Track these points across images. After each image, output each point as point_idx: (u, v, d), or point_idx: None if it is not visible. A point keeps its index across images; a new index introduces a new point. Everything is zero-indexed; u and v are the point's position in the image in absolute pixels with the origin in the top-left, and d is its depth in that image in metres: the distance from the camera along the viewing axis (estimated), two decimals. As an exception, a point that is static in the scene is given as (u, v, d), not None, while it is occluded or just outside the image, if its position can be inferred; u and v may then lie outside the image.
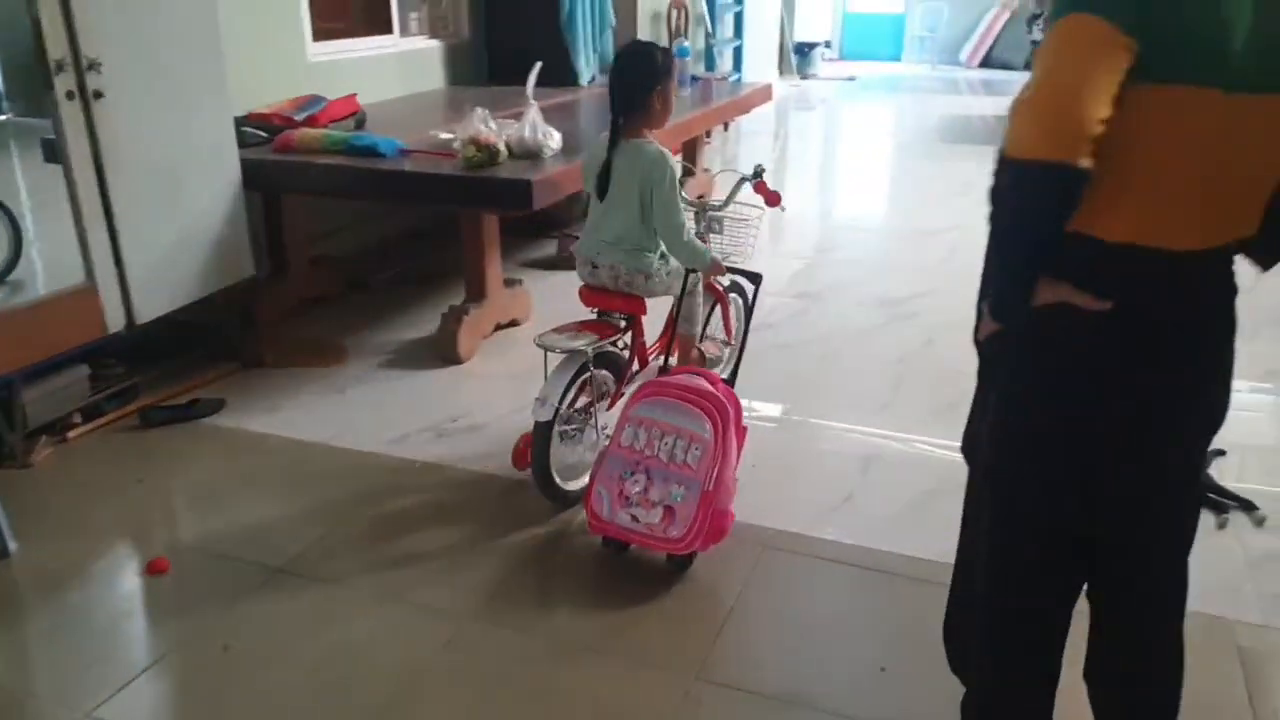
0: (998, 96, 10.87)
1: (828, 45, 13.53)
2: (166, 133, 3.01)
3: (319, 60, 4.51)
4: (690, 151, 5.65)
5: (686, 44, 5.50)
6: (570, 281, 2.90)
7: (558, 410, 2.46)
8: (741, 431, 2.36)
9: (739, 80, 9.46)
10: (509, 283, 3.86)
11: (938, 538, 2.36)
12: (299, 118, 3.77)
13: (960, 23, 13.35)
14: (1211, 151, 1.21)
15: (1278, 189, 1.28)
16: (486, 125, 3.42)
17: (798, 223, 5.41)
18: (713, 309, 2.98)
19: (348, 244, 4.63)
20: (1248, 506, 2.53)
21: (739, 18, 10.01)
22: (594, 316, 2.68)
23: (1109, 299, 1.27)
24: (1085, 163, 1.18)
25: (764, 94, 5.73)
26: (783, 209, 2.94)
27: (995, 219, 1.35)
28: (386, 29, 5.10)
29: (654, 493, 2.22)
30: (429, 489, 2.71)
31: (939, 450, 2.88)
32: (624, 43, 3.88)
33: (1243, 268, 1.35)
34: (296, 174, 3.47)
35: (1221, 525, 2.46)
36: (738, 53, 10.03)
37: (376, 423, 3.07)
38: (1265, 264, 1.38)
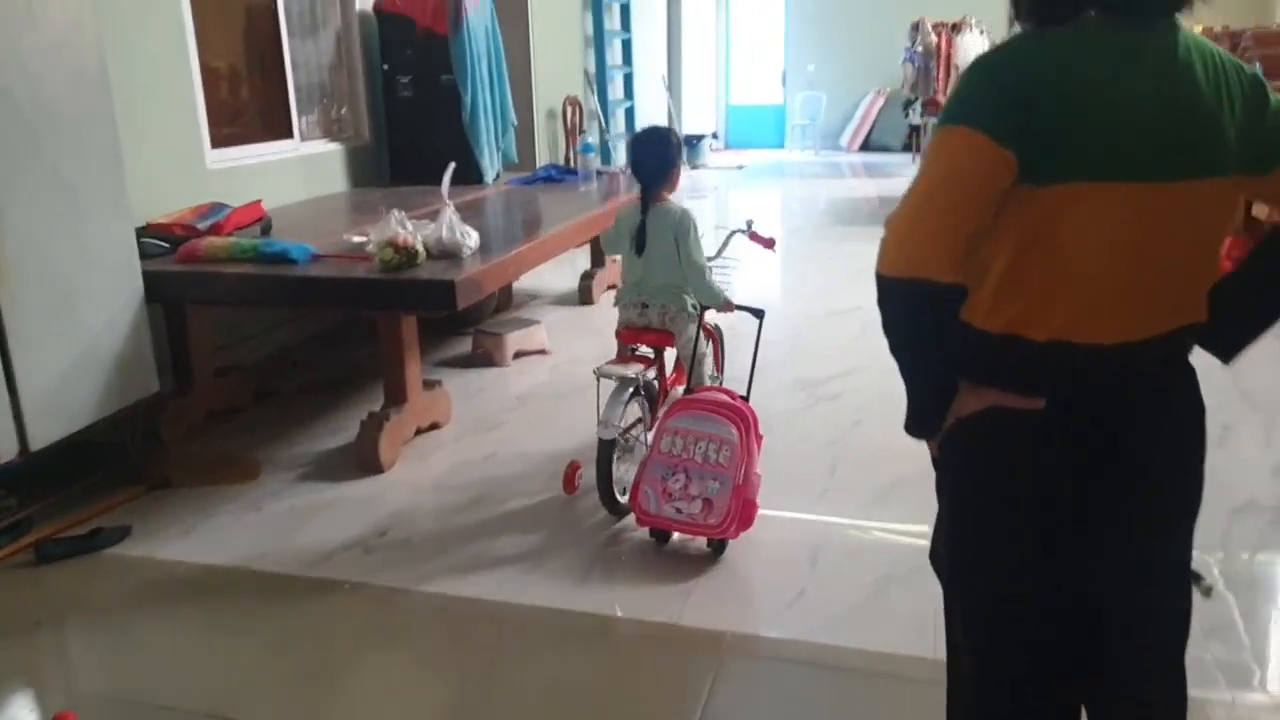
0: (879, 179, 11.38)
1: (715, 136, 13.99)
2: (63, 247, 2.85)
3: (218, 167, 4.39)
4: (598, 243, 5.69)
5: (590, 140, 5.58)
6: (486, 379, 3.46)
7: (625, 429, 2.94)
8: (759, 438, 2.80)
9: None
10: (428, 384, 3.75)
11: (900, 629, 2.35)
12: (202, 226, 3.63)
13: (838, 110, 14.00)
14: (1126, 243, 1.19)
15: (1222, 274, 1.30)
16: (403, 227, 3.36)
17: (709, 309, 5.48)
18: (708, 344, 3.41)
19: (254, 352, 4.46)
20: (1194, 578, 2.58)
21: (630, 113, 10.28)
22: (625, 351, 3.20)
23: (1040, 397, 1.25)
24: (944, 277, 1.20)
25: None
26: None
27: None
28: (287, 133, 5.01)
29: (693, 488, 2.68)
30: (361, 613, 2.55)
31: (884, 535, 2.88)
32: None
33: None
34: (205, 285, 3.32)
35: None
36: (631, 145, 10.25)
37: (298, 542, 2.89)
38: (1224, 355, 1.37)
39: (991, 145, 1.15)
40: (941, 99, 8.82)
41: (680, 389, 3.31)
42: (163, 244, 3.49)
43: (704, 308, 3.11)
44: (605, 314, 5.48)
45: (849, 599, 2.53)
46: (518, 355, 4.64)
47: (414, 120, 5.57)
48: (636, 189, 3.13)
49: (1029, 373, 1.26)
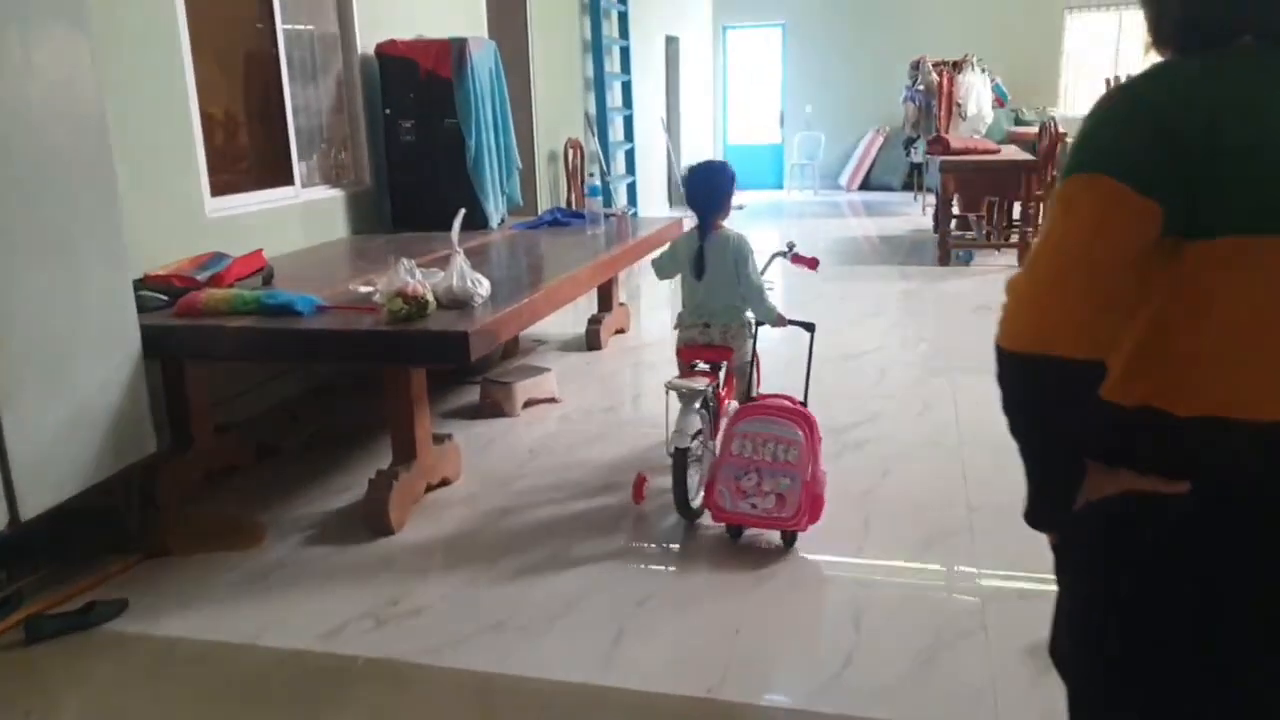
0: (881, 217, 11.31)
1: (714, 176, 13.94)
2: (58, 302, 2.70)
3: (218, 215, 4.25)
4: (606, 287, 5.57)
5: (596, 183, 5.47)
6: (497, 430, 3.60)
7: (691, 439, 3.09)
8: (819, 439, 3.04)
9: (637, 215, 9.58)
10: (438, 438, 3.59)
11: (956, 702, 2.19)
12: (201, 277, 3.49)
13: (837, 149, 14.00)
14: None
15: None
16: (412, 276, 3.22)
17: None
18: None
19: (253, 406, 4.30)
20: None
21: (630, 155, 10.22)
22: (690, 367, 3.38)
23: (1184, 480, 1.06)
24: (1080, 354, 1.02)
25: (676, 227, 5.71)
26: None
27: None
28: (287, 180, 4.89)
29: (766, 485, 2.92)
30: (376, 691, 2.37)
31: (928, 593, 2.72)
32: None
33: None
34: (207, 339, 3.17)
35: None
36: (631, 189, 10.20)
37: (307, 613, 2.71)
38: None
39: (1134, 195, 0.99)
40: (947, 137, 8.76)
41: (732, 402, 3.49)
42: (161, 296, 3.34)
43: (759, 324, 3.41)
44: (614, 359, 5.35)
45: (898, 667, 2.36)
46: (528, 404, 4.48)
47: (417, 165, 5.46)
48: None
49: (1172, 453, 1.08)
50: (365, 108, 5.50)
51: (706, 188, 3.31)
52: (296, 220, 4.86)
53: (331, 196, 5.25)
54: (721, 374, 3.38)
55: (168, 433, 3.47)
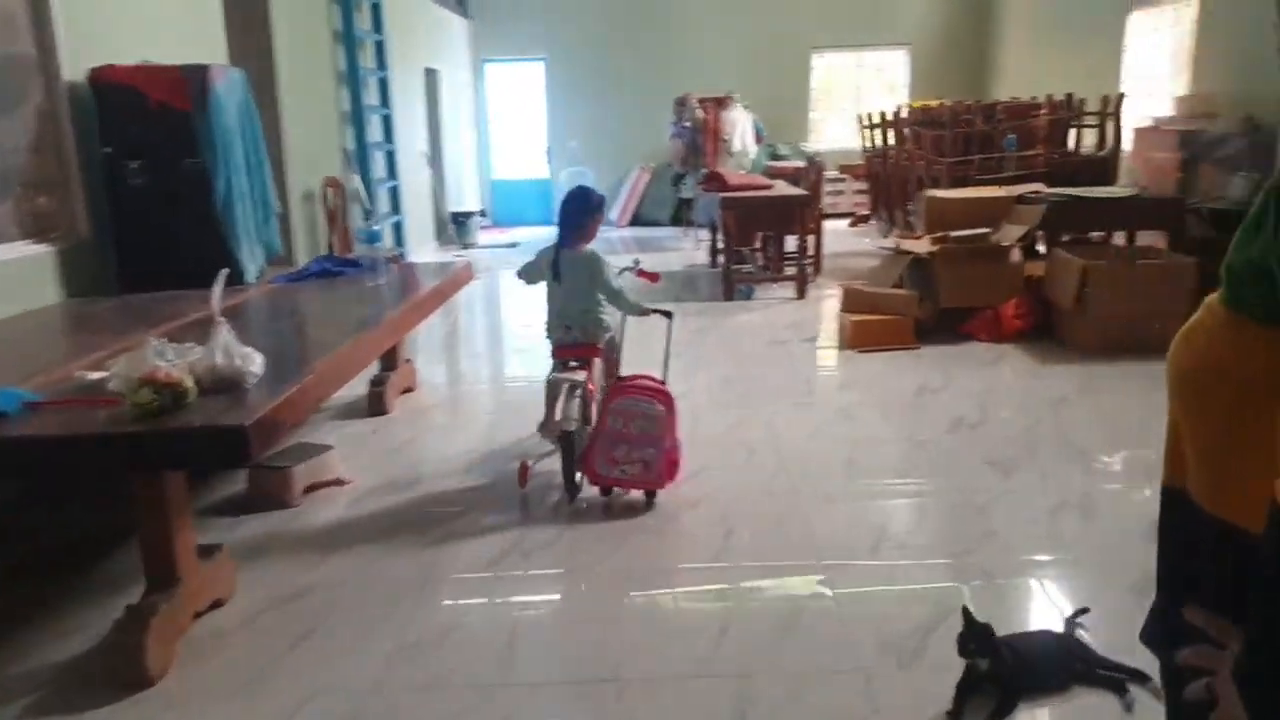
0: (653, 253, 11.24)
1: (483, 214, 13.47)
2: None
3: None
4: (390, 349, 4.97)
5: (377, 228, 4.88)
6: (273, 526, 3.29)
7: (576, 421, 3.57)
8: (676, 414, 3.62)
9: (404, 256, 8.95)
10: (205, 551, 2.91)
11: None
12: None
13: (604, 185, 13.84)
14: None
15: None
16: (163, 358, 2.57)
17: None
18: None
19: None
20: (1140, 678, 2.29)
21: (395, 192, 9.56)
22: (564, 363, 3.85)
23: None
24: None
25: (466, 272, 5.23)
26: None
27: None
28: (-23, 235, 3.96)
29: (634, 455, 3.46)
30: None
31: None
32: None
33: None
34: None
35: (1129, 708, 2.21)
36: (398, 228, 9.54)
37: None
38: None
39: None
40: (724, 174, 8.79)
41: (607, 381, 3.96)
42: None
43: (625, 316, 3.94)
44: (405, 425, 4.75)
45: None
46: (309, 489, 3.83)
47: (150, 212, 4.62)
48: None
49: None
50: (77, 145, 4.62)
51: (570, 213, 3.85)
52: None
53: (35, 254, 4.33)
54: (594, 368, 3.82)
55: None
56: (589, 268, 3.78)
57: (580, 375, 3.69)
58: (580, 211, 3.85)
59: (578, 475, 3.61)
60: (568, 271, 3.78)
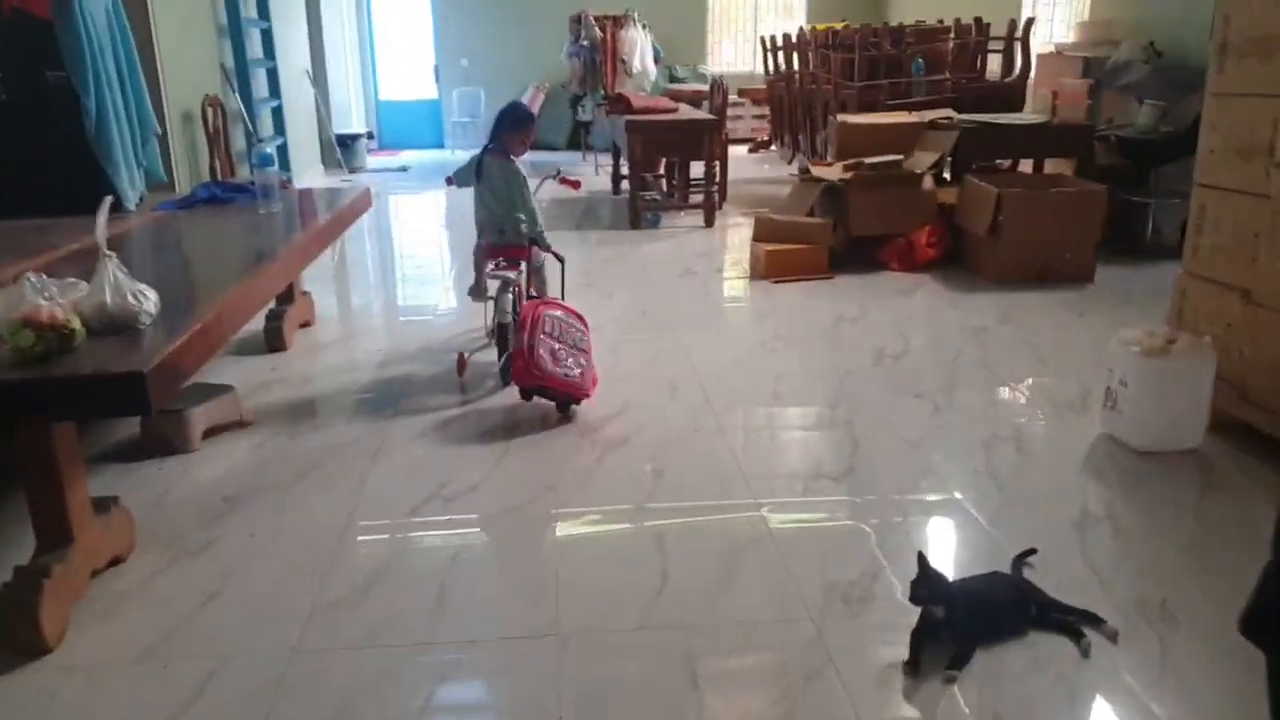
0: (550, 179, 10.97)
1: (370, 136, 12.86)
2: None
3: None
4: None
5: (268, 150, 4.53)
6: (171, 475, 3.16)
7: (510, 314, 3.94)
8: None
9: (290, 180, 8.47)
10: (99, 505, 2.67)
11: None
12: None
13: (498, 106, 13.32)
14: None
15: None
16: (44, 296, 2.30)
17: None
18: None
19: None
20: (1092, 620, 2.32)
21: (278, 112, 9.00)
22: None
23: None
24: None
25: (365, 199, 4.93)
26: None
27: None
28: None
29: (569, 360, 3.64)
30: None
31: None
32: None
33: None
34: None
35: (1085, 653, 2.22)
36: (282, 151, 8.99)
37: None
38: None
39: None
40: (629, 96, 8.53)
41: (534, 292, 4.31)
42: None
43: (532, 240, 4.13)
44: (306, 361, 4.50)
45: None
46: (208, 433, 3.58)
47: (13, 132, 4.21)
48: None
49: None
50: (-74, 55, 4.13)
51: (500, 118, 4.15)
52: None
53: (-116, 176, 3.88)
54: (521, 268, 4.11)
55: None
56: (512, 177, 4.06)
57: (512, 274, 4.02)
58: (506, 122, 4.12)
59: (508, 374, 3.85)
60: (490, 176, 4.06)
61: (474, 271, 4.21)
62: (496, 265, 4.08)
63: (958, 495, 3.04)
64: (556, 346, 3.60)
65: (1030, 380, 4.11)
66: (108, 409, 2.32)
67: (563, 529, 2.88)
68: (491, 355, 4.15)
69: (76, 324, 2.31)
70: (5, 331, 2.23)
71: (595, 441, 3.48)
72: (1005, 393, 3.98)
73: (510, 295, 3.97)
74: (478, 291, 4.15)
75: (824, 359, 4.42)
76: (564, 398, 3.67)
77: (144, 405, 2.17)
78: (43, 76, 4.16)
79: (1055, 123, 6.47)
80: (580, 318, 3.78)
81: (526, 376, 3.57)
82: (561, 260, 4.13)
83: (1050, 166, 6.56)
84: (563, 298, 4.03)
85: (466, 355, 4.14)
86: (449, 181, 4.39)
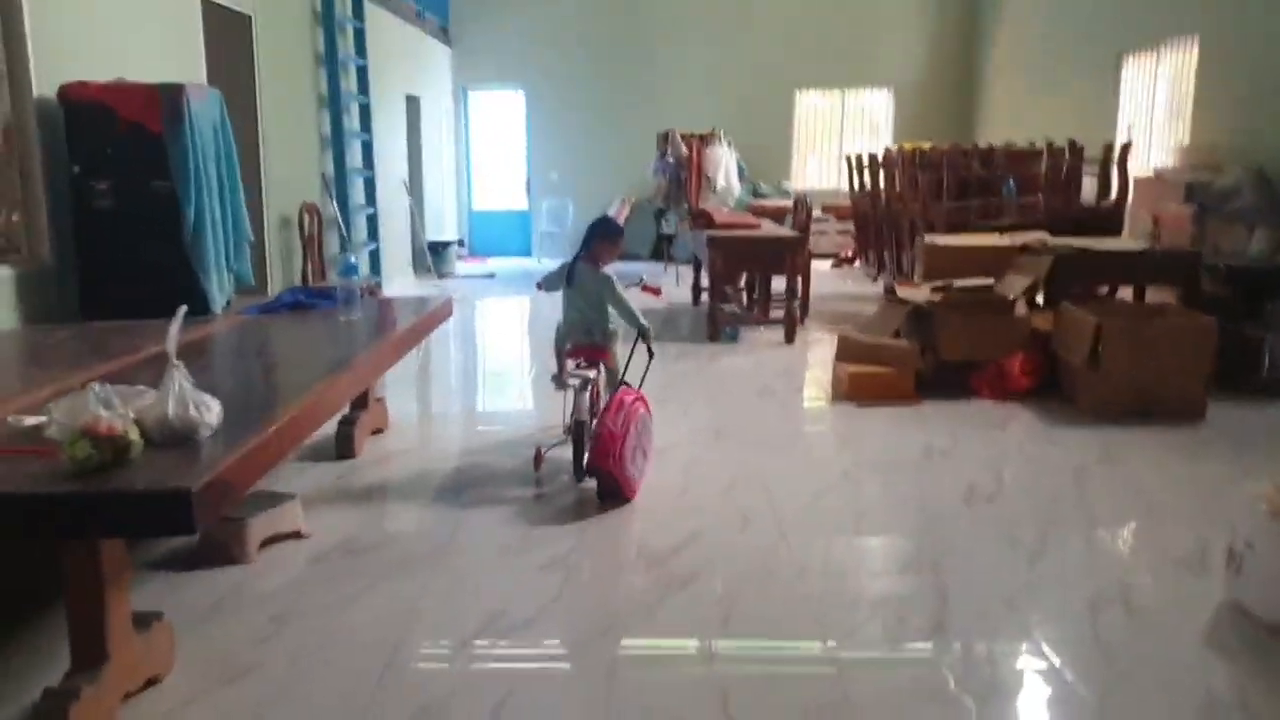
0: (634, 288, 11.00)
1: (461, 243, 13.20)
2: None
3: None
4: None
5: (354, 260, 4.60)
6: (222, 587, 3.02)
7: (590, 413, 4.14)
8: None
9: (380, 284, 8.67)
10: (141, 620, 2.57)
11: None
12: None
13: (585, 218, 13.62)
14: None
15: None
16: (108, 407, 2.26)
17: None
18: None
19: None
20: None
21: (372, 220, 9.28)
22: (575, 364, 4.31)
23: None
24: None
25: (446, 308, 4.94)
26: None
27: None
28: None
29: (640, 462, 3.99)
30: None
31: None
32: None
33: None
34: None
35: None
36: (374, 256, 9.24)
37: None
38: None
39: None
40: (710, 211, 8.57)
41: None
42: None
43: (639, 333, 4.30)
44: (375, 470, 4.42)
45: None
46: (265, 544, 3.51)
47: (116, 236, 4.35)
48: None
49: None
50: (44, 164, 4.31)
51: (591, 230, 4.42)
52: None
53: (-9, 275, 4.03)
54: (601, 370, 4.33)
55: None
56: (603, 283, 4.30)
57: (591, 373, 4.20)
58: (598, 233, 4.40)
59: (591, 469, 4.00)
60: (582, 281, 4.31)
61: (555, 361, 4.46)
62: (578, 364, 4.27)
63: (1060, 666, 2.71)
64: (635, 446, 3.90)
65: (1138, 530, 3.78)
66: (154, 527, 2.24)
67: (621, 675, 2.67)
68: (566, 452, 4.23)
69: (134, 436, 2.26)
70: (65, 441, 2.20)
71: (661, 575, 3.28)
72: (1110, 544, 3.66)
73: (588, 395, 4.15)
74: (560, 381, 4.32)
75: (910, 494, 4.14)
76: (616, 491, 3.86)
77: (188, 525, 2.09)
78: (148, 185, 4.30)
79: (1158, 249, 6.20)
80: (647, 406, 4.15)
81: (606, 460, 3.79)
82: (651, 355, 4.29)
83: (1152, 295, 6.26)
84: (641, 384, 4.27)
85: (544, 450, 4.28)
86: (539, 287, 4.56)
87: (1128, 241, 6.59)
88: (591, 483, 3.97)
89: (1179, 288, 5.94)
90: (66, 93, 4.29)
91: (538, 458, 4.24)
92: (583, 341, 4.37)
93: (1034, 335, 5.62)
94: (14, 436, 2.42)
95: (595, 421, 4.07)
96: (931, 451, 4.66)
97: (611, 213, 13.68)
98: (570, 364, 4.29)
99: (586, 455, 3.97)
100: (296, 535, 3.62)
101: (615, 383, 4.37)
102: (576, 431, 4.09)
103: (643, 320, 4.29)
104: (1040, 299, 6.15)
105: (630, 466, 3.85)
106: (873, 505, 4.02)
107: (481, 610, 3.01)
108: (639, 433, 3.93)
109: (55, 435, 2.28)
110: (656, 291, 4.88)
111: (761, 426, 5.21)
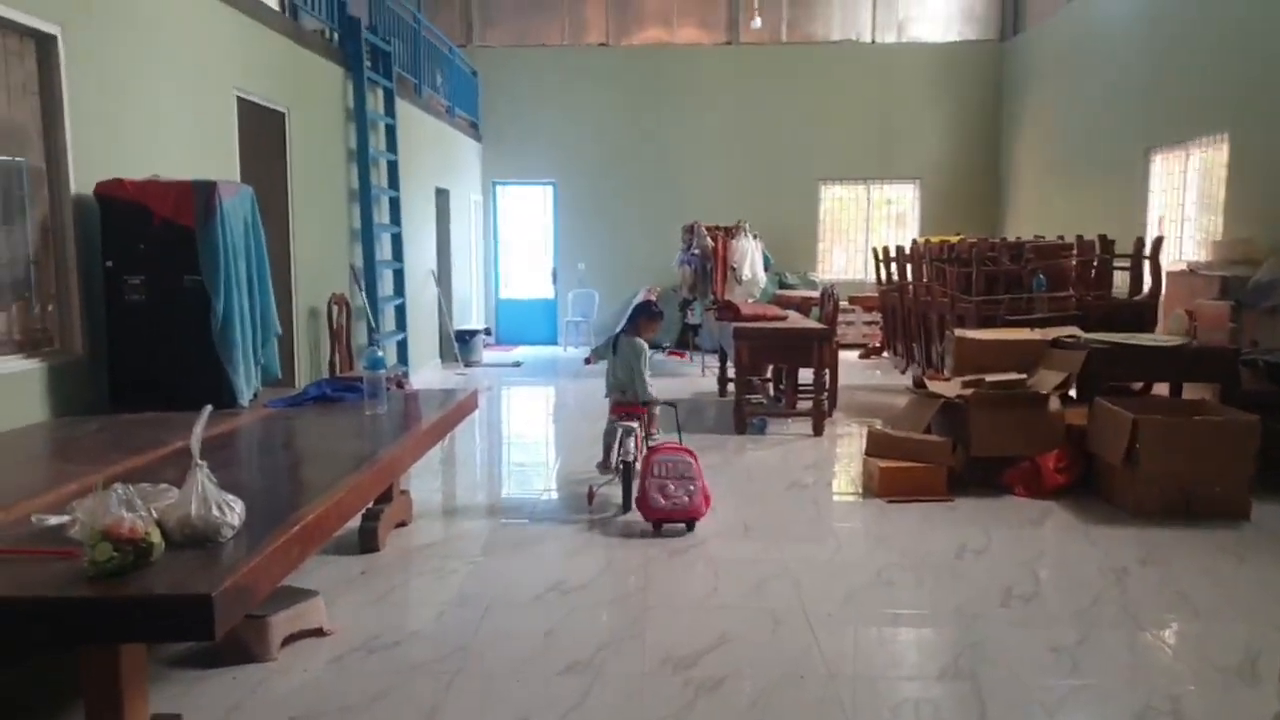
0: (659, 378, 10.98)
1: (488, 332, 13.31)
2: None
3: None
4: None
5: (380, 354, 4.61)
6: (242, 686, 2.97)
7: (634, 454, 5.16)
8: (700, 464, 4.93)
9: (408, 374, 8.71)
10: (159, 725, 2.52)
11: None
12: None
13: (611, 307, 13.77)
14: None
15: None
16: (130, 509, 2.24)
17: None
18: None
19: None
20: None
21: (400, 310, 9.37)
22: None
23: None
24: None
25: (471, 401, 4.94)
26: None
27: None
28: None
29: (678, 492, 4.77)
30: None
31: None
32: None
33: None
34: None
35: None
36: (402, 346, 9.31)
37: None
38: None
39: None
40: (737, 303, 8.60)
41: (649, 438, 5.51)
42: None
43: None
44: (399, 565, 4.36)
45: None
46: (288, 640, 3.44)
47: (147, 330, 4.40)
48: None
49: None
50: (79, 259, 4.41)
51: (635, 309, 5.72)
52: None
53: (24, 369, 4.07)
54: (641, 421, 5.35)
55: None
56: (636, 352, 5.48)
57: (633, 423, 5.27)
58: (642, 314, 5.62)
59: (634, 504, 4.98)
60: (622, 351, 5.52)
61: (603, 450, 5.32)
62: (620, 417, 5.35)
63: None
64: (665, 483, 4.72)
65: (1184, 636, 3.64)
66: (174, 632, 2.20)
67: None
68: (616, 491, 5.22)
69: (156, 538, 2.24)
70: (86, 542, 2.18)
71: (687, 680, 3.18)
72: (1155, 650, 3.52)
73: (632, 440, 5.17)
74: (605, 466, 5.24)
75: (946, 597, 4.01)
76: (682, 520, 4.79)
77: (208, 631, 2.04)
78: (180, 280, 4.37)
79: (1195, 344, 6.12)
80: (689, 452, 4.88)
81: (647, 511, 4.77)
82: (674, 406, 5.56)
83: (1188, 391, 6.15)
84: (680, 436, 5.21)
85: (595, 488, 5.29)
86: (587, 361, 5.52)
87: (1163, 337, 6.51)
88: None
89: (1217, 383, 5.83)
90: (102, 190, 4.39)
91: (590, 495, 5.28)
92: (620, 400, 5.54)
93: (1068, 431, 5.52)
94: (37, 537, 2.40)
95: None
96: (965, 550, 4.54)
97: (638, 302, 13.80)
98: (613, 417, 5.38)
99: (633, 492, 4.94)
100: (319, 633, 3.55)
101: (647, 435, 5.40)
102: (625, 471, 5.10)
103: (651, 393, 5.48)
104: (1074, 394, 6.07)
105: (665, 502, 4.72)
106: (906, 607, 3.90)
107: (507, 709, 2.92)
108: (660, 475, 4.74)
109: (78, 536, 2.26)
110: (682, 355, 5.96)
111: (791, 522, 5.11)
